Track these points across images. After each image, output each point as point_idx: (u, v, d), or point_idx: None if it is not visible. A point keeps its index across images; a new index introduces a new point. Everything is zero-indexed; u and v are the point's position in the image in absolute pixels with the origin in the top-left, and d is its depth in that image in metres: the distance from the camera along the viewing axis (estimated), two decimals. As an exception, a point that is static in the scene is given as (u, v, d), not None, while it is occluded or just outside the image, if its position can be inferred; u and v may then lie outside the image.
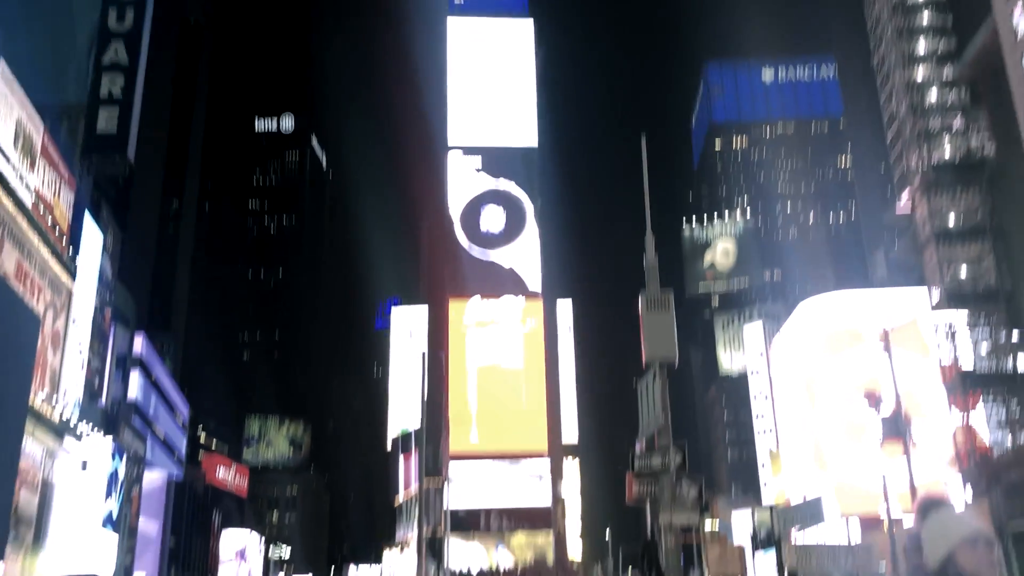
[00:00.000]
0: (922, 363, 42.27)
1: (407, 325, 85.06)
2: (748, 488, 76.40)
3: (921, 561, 3.96)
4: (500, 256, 68.04)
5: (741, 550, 13.87)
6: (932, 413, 40.44)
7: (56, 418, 41.25)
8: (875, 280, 61.39)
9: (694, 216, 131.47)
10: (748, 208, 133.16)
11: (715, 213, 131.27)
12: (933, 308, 41.38)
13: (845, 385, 43.64)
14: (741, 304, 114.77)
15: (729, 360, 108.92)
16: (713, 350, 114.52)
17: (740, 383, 76.83)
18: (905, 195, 44.29)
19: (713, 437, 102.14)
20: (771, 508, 43.28)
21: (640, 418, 10.86)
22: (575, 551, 69.25)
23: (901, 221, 47.77)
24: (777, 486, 59.56)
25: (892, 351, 20.31)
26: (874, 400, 20.38)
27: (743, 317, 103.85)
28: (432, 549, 54.29)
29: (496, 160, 69.44)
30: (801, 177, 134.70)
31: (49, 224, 40.14)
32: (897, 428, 19.79)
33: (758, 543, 54.40)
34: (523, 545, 59.70)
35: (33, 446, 37.66)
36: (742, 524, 64.02)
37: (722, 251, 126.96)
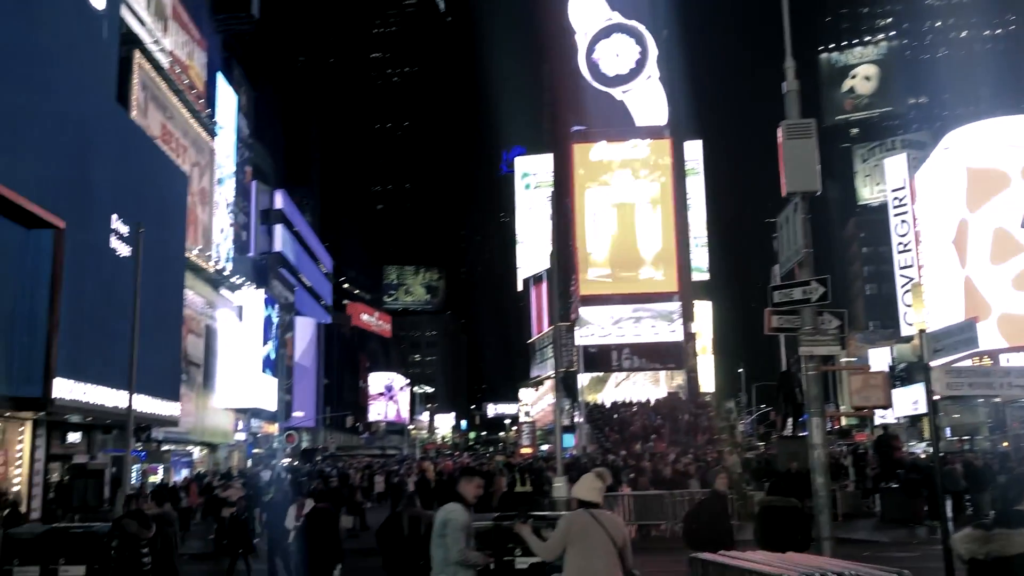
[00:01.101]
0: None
1: (531, 172, 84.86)
2: (886, 325, 74.68)
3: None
4: (625, 95, 66.22)
5: (885, 376, 13.29)
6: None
7: (211, 270, 44.11)
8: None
9: (832, 41, 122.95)
10: (892, 28, 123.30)
11: (855, 36, 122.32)
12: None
13: (999, 216, 41.13)
14: (883, 133, 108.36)
15: (869, 192, 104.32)
16: (851, 182, 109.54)
17: (880, 216, 73.60)
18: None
19: (850, 273, 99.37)
20: (921, 332, 41.70)
21: (779, 252, 10.70)
22: (707, 387, 70.23)
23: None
24: (917, 322, 57.95)
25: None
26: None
27: (885, 147, 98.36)
28: (566, 386, 56.22)
29: (619, -9, 66.56)
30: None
31: (186, 84, 41.54)
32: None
33: (896, 378, 53.64)
34: (656, 381, 60.95)
35: (194, 297, 40.60)
36: (879, 361, 63.06)
37: (863, 77, 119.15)
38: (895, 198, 62.12)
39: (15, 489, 25.96)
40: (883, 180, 73.02)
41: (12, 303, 23.15)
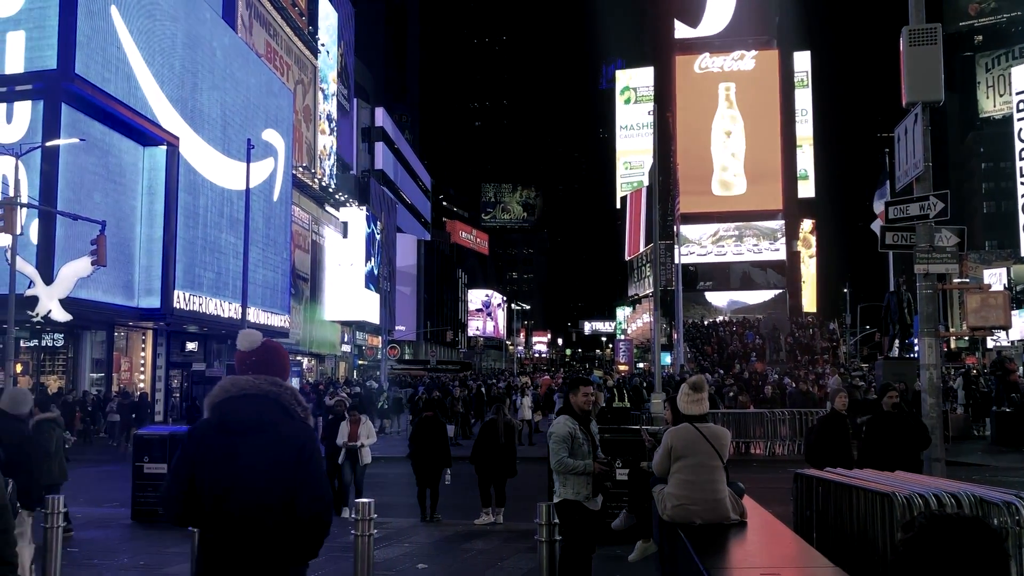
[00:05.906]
0: None
1: (631, 86, 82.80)
2: (1003, 244, 71.38)
3: None
4: (729, 5, 63.57)
5: (1005, 295, 12.39)
6: None
7: (316, 186, 45.08)
8: None
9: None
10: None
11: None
12: None
13: None
14: (1011, 40, 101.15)
15: (992, 105, 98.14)
16: (972, 95, 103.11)
17: (1003, 130, 69.54)
18: None
19: (967, 189, 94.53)
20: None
21: (896, 165, 10.26)
22: (810, 307, 68.67)
23: None
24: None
25: None
26: None
27: (1013, 55, 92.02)
28: (664, 304, 55.73)
29: None
30: None
31: (289, 2, 41.85)
32: None
33: (1012, 301, 51.36)
34: (759, 300, 59.95)
35: (300, 213, 41.69)
36: (994, 283, 60.33)
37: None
38: (1020, 101, 58.67)
39: (139, 393, 27.67)
40: (1008, 91, 68.82)
41: (132, 218, 24.27)
